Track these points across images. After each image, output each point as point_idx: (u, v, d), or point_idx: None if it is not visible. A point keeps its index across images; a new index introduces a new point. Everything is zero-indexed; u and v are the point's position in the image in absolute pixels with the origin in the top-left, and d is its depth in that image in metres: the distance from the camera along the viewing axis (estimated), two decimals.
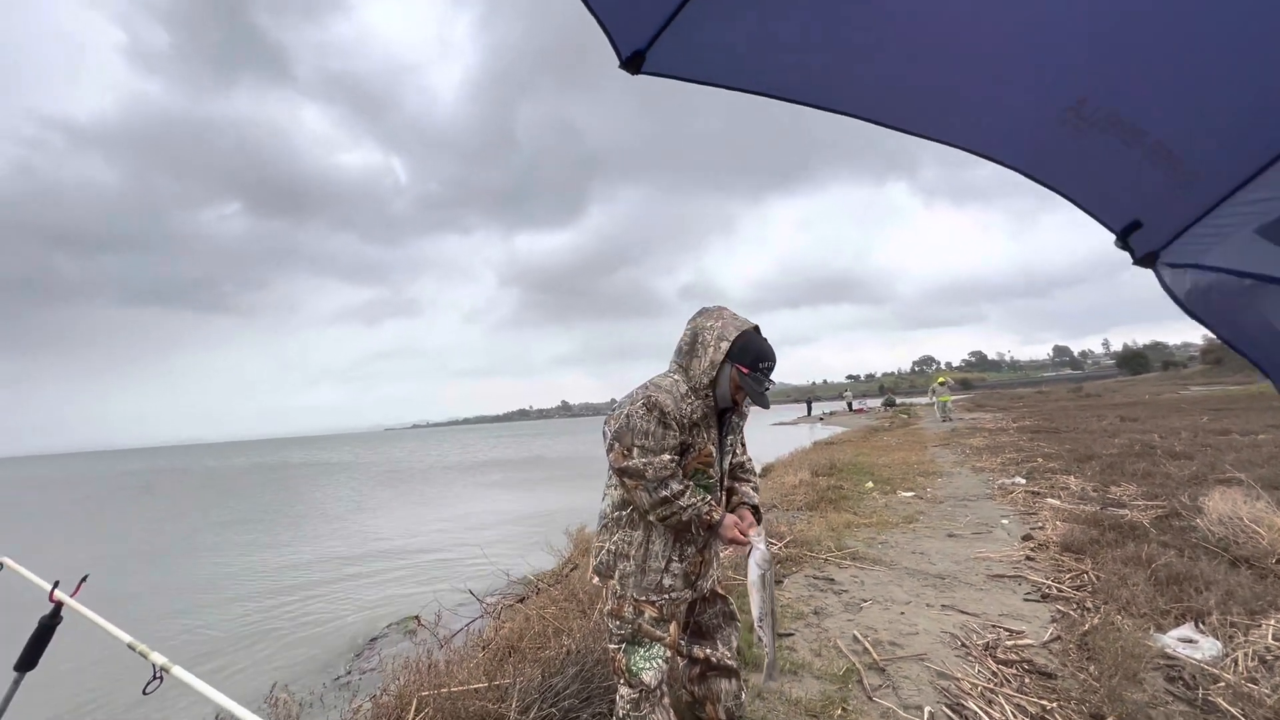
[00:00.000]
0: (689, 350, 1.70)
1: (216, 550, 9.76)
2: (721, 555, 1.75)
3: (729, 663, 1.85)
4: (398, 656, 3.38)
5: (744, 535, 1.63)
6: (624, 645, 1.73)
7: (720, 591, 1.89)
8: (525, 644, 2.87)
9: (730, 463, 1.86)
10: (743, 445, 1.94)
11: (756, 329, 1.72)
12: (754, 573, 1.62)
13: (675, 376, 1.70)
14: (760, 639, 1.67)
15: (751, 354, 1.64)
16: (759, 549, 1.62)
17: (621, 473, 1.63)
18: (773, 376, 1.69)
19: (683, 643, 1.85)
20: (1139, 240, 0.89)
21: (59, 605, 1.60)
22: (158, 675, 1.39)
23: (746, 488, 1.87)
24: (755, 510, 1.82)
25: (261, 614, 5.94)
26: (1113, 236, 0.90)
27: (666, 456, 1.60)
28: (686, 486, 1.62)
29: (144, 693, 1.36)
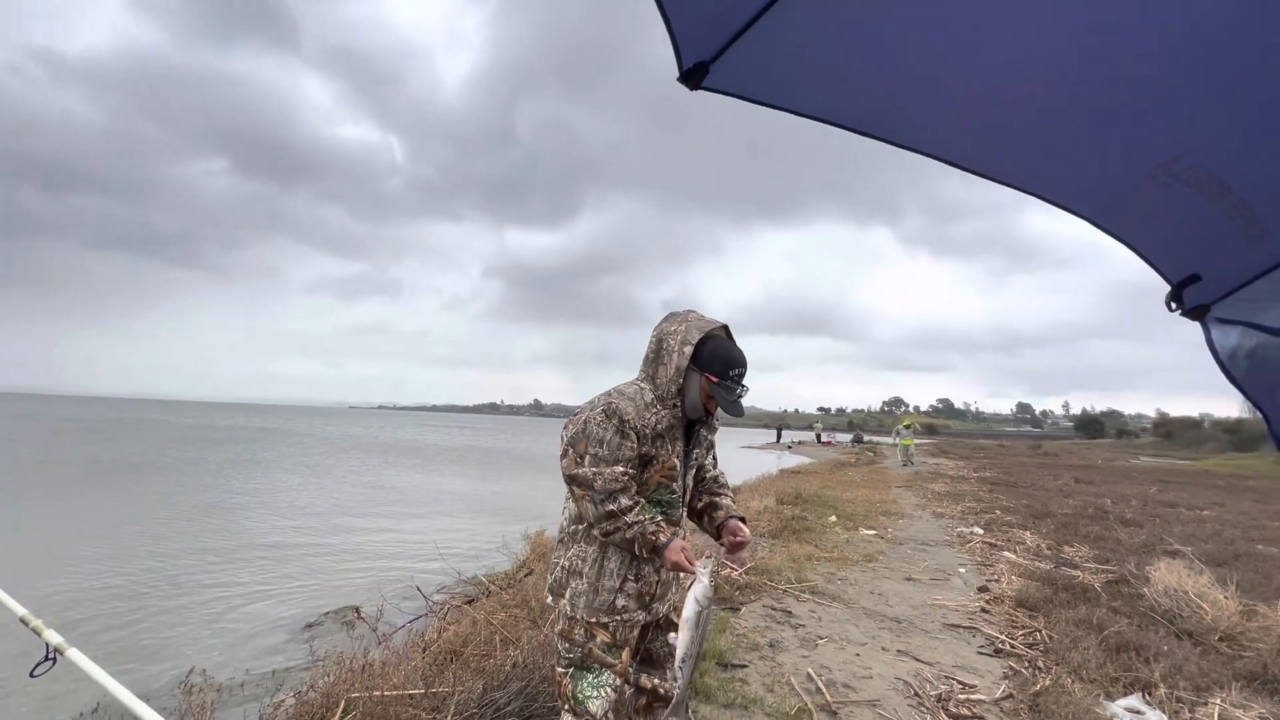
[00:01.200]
0: (654, 358, 1.60)
1: (146, 513, 9.26)
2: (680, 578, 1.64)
3: (677, 694, 1.75)
4: (331, 650, 3.18)
5: (690, 564, 1.49)
6: (572, 670, 1.62)
7: (675, 619, 1.79)
8: (469, 651, 2.73)
9: (698, 476, 1.77)
10: (714, 459, 1.85)
11: (725, 330, 1.63)
12: (690, 608, 1.49)
13: (642, 385, 1.60)
14: (675, 678, 1.55)
15: (720, 361, 1.54)
16: (703, 583, 1.49)
17: (571, 480, 1.53)
18: (744, 401, 1.59)
19: (631, 670, 1.75)
20: (1193, 293, 0.86)
21: None
22: (50, 656, 1.22)
23: (727, 499, 1.78)
24: (743, 521, 1.72)
25: (187, 590, 5.59)
26: (1164, 286, 0.88)
27: (619, 468, 1.50)
28: (636, 503, 1.51)
29: (31, 675, 1.20)
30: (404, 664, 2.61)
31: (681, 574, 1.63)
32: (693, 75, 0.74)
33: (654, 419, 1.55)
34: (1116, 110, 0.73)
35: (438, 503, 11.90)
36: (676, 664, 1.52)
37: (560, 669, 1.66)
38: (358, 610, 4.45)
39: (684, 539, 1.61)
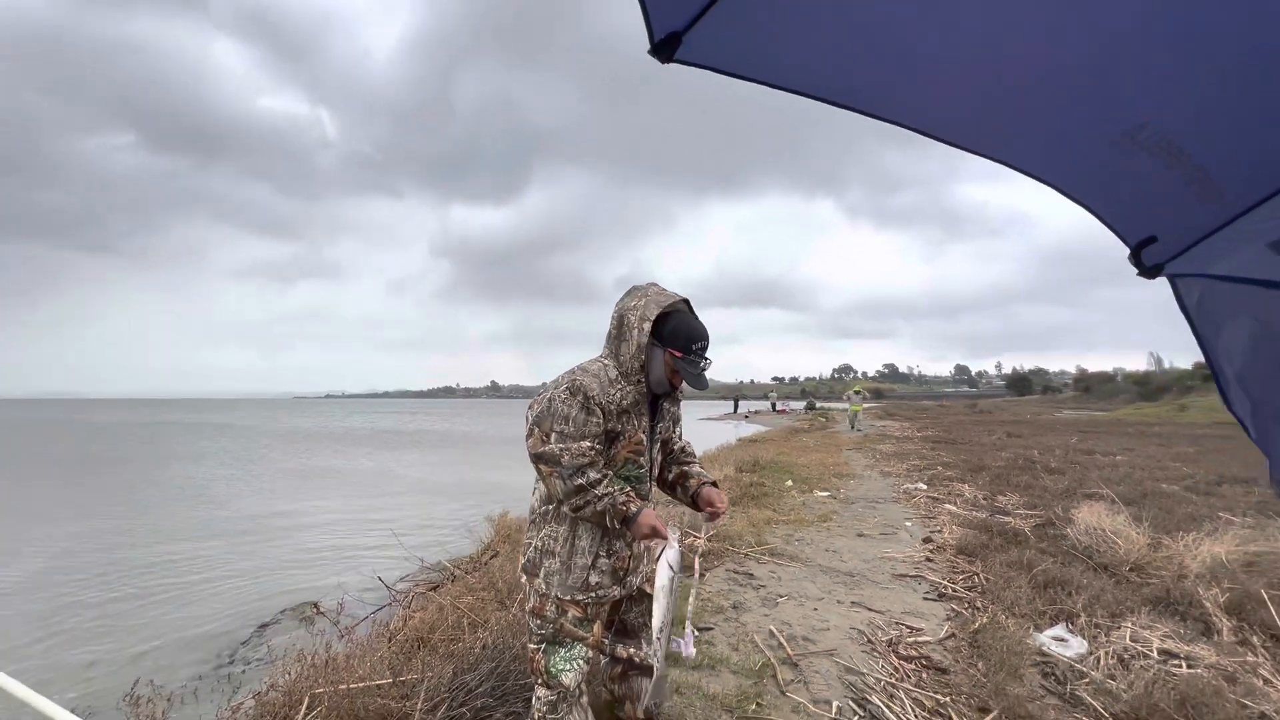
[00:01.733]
0: (616, 335, 1.61)
1: (79, 516, 8.61)
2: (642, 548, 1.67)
3: (651, 662, 1.81)
4: (290, 647, 3.09)
5: (663, 530, 1.52)
6: (544, 645, 1.65)
7: (648, 590, 1.84)
8: (437, 637, 2.71)
9: (665, 449, 1.81)
10: (679, 431, 1.88)
11: (686, 303, 1.64)
12: (664, 575, 1.51)
13: (605, 361, 1.61)
14: (655, 652, 1.56)
15: (683, 336, 1.56)
16: (674, 548, 1.53)
17: (538, 459, 1.53)
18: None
19: (606, 641, 1.78)
20: (1150, 253, 0.93)
21: None
22: None
23: (696, 468, 1.81)
24: (715, 485, 1.77)
25: (129, 594, 5.27)
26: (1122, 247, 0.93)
27: (586, 443, 1.51)
28: (604, 475, 1.53)
29: None
30: (369, 655, 2.57)
31: (652, 544, 1.65)
32: (664, 47, 0.73)
33: (619, 395, 1.56)
34: (1084, 81, 0.75)
35: (393, 490, 11.61)
36: (654, 634, 1.54)
37: (532, 645, 1.67)
38: (316, 605, 4.32)
39: (654, 509, 1.64)
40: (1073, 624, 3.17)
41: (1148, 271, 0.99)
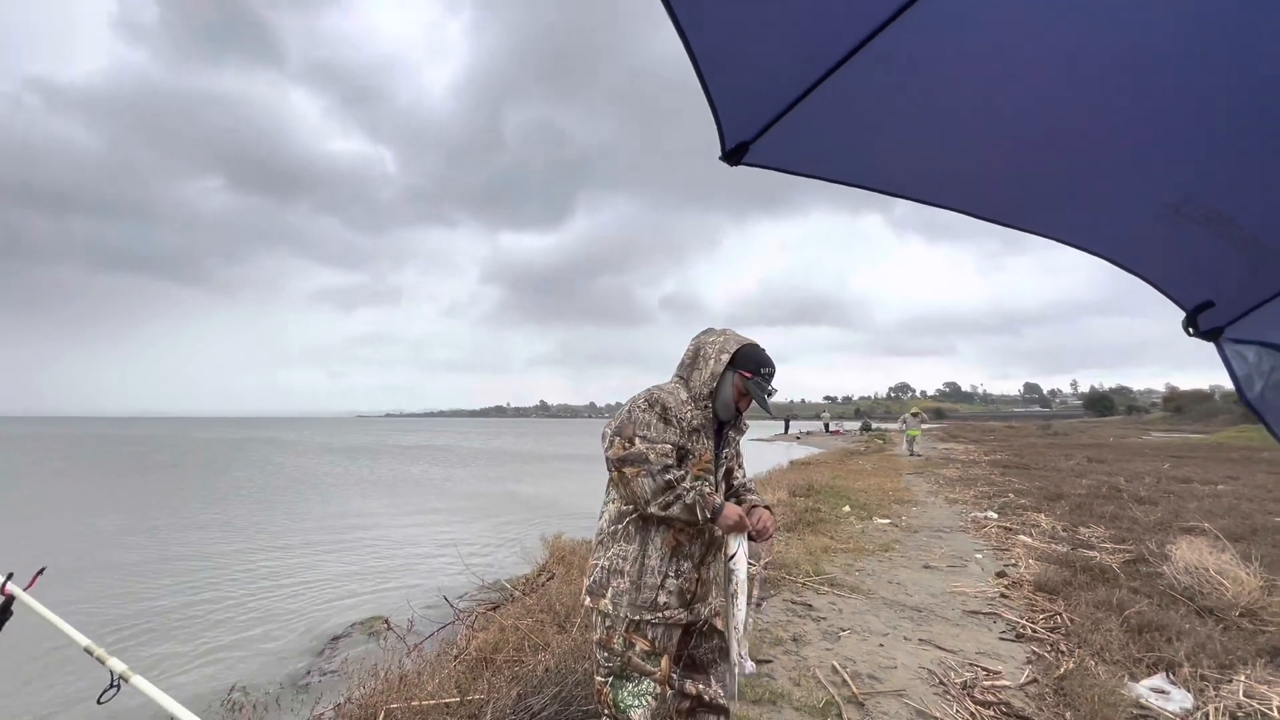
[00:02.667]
0: (690, 363, 1.75)
1: (173, 530, 9.38)
2: (730, 550, 1.71)
3: (721, 701, 1.80)
4: (363, 660, 3.25)
5: (746, 522, 1.64)
6: (611, 679, 1.67)
7: (718, 626, 1.84)
8: (500, 657, 2.78)
9: (728, 482, 1.86)
10: (740, 466, 1.92)
11: (755, 344, 1.79)
12: (743, 569, 1.62)
13: (676, 385, 1.74)
14: (735, 646, 1.64)
15: (754, 361, 1.71)
16: (747, 543, 1.65)
17: (621, 463, 1.60)
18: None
19: (675, 675, 1.79)
20: (1207, 318, 0.90)
21: (10, 599, 1.48)
22: (115, 683, 1.28)
23: (753, 497, 1.88)
24: (769, 510, 1.81)
25: (214, 603, 5.68)
26: (1178, 313, 0.91)
27: (669, 446, 1.62)
28: (687, 472, 1.63)
29: (99, 702, 1.25)
30: (437, 673, 2.67)
31: (729, 544, 1.69)
32: (735, 154, 0.81)
33: (689, 414, 1.68)
34: (1126, 156, 0.77)
35: (454, 507, 12.00)
36: (736, 631, 1.63)
37: (600, 678, 1.70)
38: (386, 621, 4.52)
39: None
40: (1174, 674, 2.89)
41: (1204, 335, 0.95)
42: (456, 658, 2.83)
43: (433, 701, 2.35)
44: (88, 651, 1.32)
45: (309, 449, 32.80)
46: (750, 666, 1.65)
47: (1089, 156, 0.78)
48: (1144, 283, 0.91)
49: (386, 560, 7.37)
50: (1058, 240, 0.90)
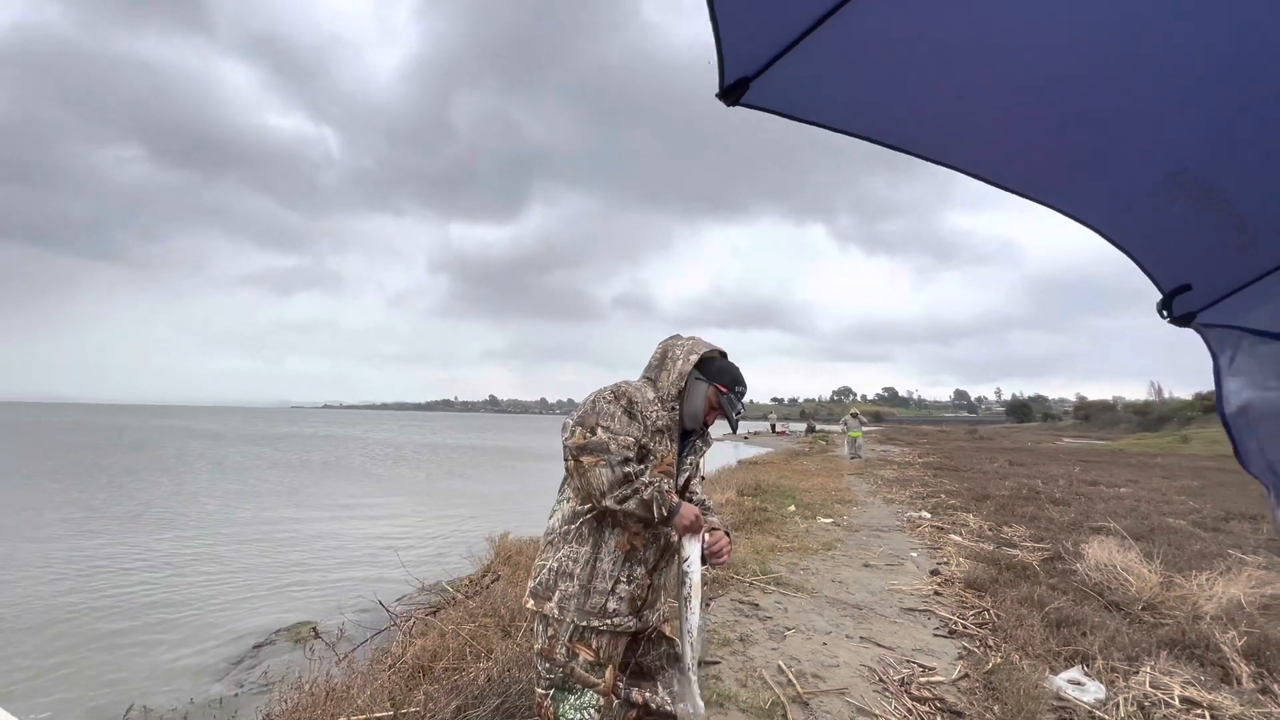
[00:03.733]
0: (658, 364, 1.72)
1: (69, 527, 8.49)
2: (685, 552, 1.65)
3: (668, 709, 1.75)
4: (287, 670, 3.01)
5: (702, 523, 1.58)
6: (553, 690, 1.60)
7: (667, 633, 1.79)
8: (439, 666, 2.63)
9: (686, 492, 1.80)
10: (702, 479, 1.88)
11: (723, 354, 1.77)
12: (697, 572, 1.56)
13: (643, 383, 1.70)
14: (689, 652, 1.59)
15: (729, 376, 1.70)
16: (699, 546, 1.59)
17: (581, 451, 1.51)
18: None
19: (621, 684, 1.73)
20: (1182, 301, 0.92)
21: None
22: None
23: (714, 518, 1.82)
24: (727, 534, 1.77)
25: (107, 613, 5.12)
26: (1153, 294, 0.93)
27: (630, 439, 1.56)
28: (647, 468, 1.57)
29: None
30: (369, 684, 2.50)
31: (683, 546, 1.63)
32: (733, 91, 0.75)
33: (654, 414, 1.62)
34: (1128, 122, 0.76)
35: (390, 504, 11.48)
36: (693, 632, 1.58)
37: (540, 690, 1.62)
38: (314, 628, 4.23)
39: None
40: (1089, 666, 3.09)
41: (1178, 319, 0.98)
42: (391, 667, 2.66)
43: (363, 716, 2.20)
44: None
45: (232, 439, 30.67)
46: (700, 707, 1.61)
47: (1096, 122, 0.78)
48: (1129, 259, 0.92)
49: (315, 561, 6.94)
50: (1055, 209, 0.89)
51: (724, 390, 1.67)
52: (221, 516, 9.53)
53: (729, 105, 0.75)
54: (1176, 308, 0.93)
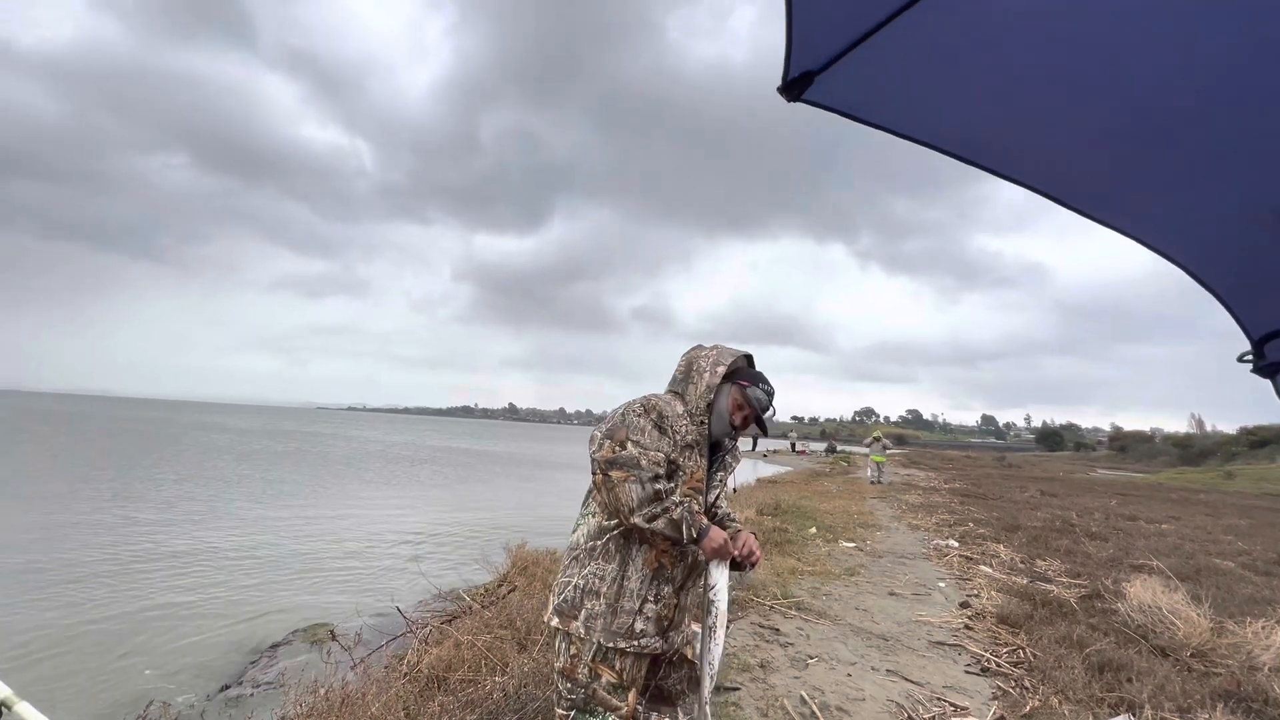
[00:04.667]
0: (684, 378, 1.67)
1: (93, 525, 8.74)
2: (712, 580, 1.59)
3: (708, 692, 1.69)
4: (303, 672, 3.00)
5: (731, 548, 1.54)
6: (574, 712, 1.55)
7: (689, 656, 1.73)
8: (455, 678, 2.60)
9: (712, 508, 1.74)
10: (723, 499, 1.82)
11: (749, 358, 1.73)
12: (724, 600, 1.53)
13: (671, 397, 1.64)
14: (708, 684, 1.55)
15: (750, 376, 1.67)
16: (725, 576, 1.56)
17: (610, 465, 1.46)
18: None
19: (641, 707, 1.67)
20: (1273, 349, 0.84)
21: None
22: None
23: (735, 526, 1.79)
24: (753, 535, 1.72)
25: (129, 609, 5.17)
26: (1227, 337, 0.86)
27: (661, 455, 1.51)
28: (677, 487, 1.53)
29: None
30: (384, 692, 2.47)
31: (711, 571, 1.58)
32: (796, 85, 0.71)
33: (684, 428, 1.58)
34: (1227, 158, 0.71)
35: (409, 506, 11.57)
36: (714, 667, 1.55)
37: (561, 710, 1.57)
38: (331, 630, 4.23)
39: None
40: (1135, 715, 2.90)
41: (1266, 368, 0.90)
42: (406, 675, 2.63)
43: None
44: None
45: (260, 435, 31.42)
46: None
47: (1182, 151, 0.72)
48: (1219, 303, 0.85)
49: (335, 562, 6.99)
50: (1135, 239, 0.84)
51: (746, 385, 1.64)
52: (259, 514, 9.70)
53: (790, 100, 0.72)
54: (1269, 354, 0.85)
